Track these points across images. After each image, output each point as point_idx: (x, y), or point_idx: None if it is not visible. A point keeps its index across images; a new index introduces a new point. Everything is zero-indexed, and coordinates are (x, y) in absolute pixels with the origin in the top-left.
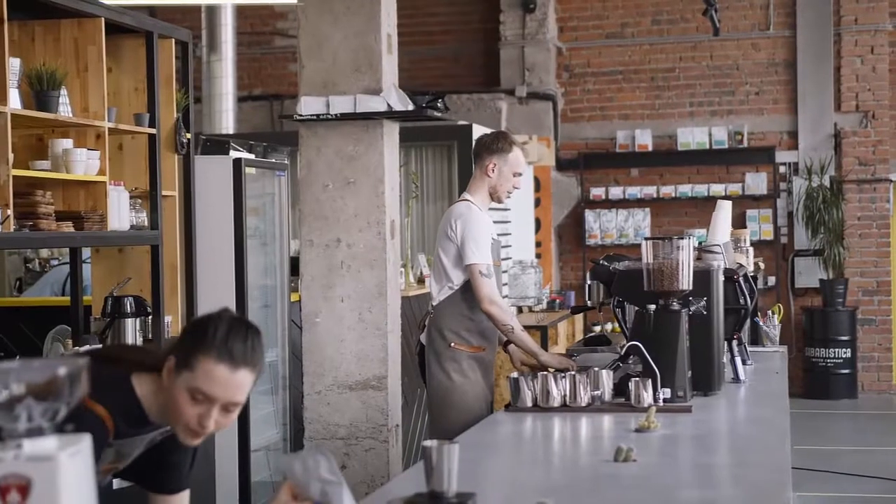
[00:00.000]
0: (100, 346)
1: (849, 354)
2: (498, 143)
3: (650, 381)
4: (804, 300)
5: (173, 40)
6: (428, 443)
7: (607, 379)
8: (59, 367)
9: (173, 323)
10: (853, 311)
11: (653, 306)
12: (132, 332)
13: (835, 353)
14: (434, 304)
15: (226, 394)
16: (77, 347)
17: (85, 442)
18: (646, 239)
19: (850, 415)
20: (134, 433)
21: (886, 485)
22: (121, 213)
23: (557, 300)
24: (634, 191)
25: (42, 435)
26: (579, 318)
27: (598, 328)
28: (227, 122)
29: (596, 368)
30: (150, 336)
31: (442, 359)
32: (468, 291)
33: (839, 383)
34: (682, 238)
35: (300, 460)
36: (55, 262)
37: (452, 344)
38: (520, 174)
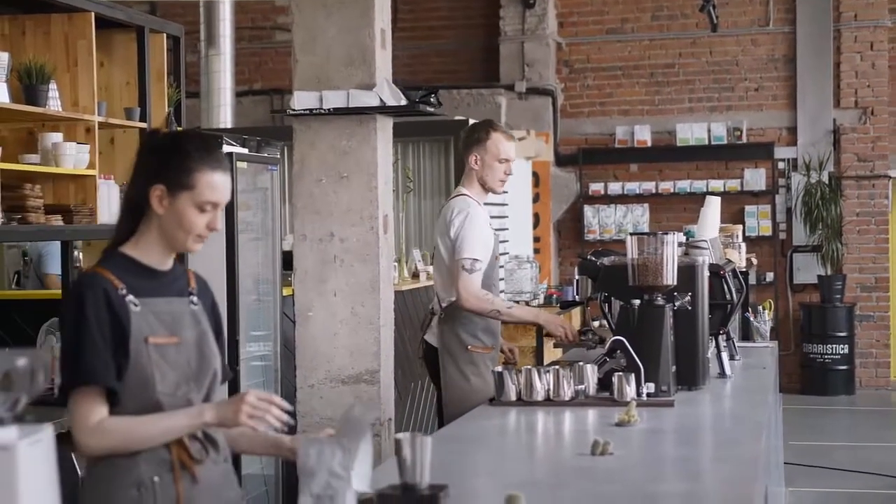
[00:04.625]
0: None
1: (846, 350)
2: (474, 133)
3: (633, 375)
4: (802, 296)
5: (165, 35)
6: (400, 435)
7: (591, 373)
8: (19, 358)
9: None
10: (851, 307)
11: (637, 301)
12: None
13: (832, 349)
14: (443, 305)
15: (226, 196)
16: None
17: (46, 432)
18: (631, 234)
19: (848, 411)
20: (150, 288)
21: (882, 481)
22: (111, 206)
23: (555, 295)
24: (633, 186)
25: (2, 425)
26: (577, 313)
27: (596, 323)
28: (225, 116)
29: (581, 363)
30: None
31: (459, 361)
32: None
33: (837, 379)
34: (667, 234)
35: (318, 447)
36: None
37: (469, 347)
38: (505, 160)
